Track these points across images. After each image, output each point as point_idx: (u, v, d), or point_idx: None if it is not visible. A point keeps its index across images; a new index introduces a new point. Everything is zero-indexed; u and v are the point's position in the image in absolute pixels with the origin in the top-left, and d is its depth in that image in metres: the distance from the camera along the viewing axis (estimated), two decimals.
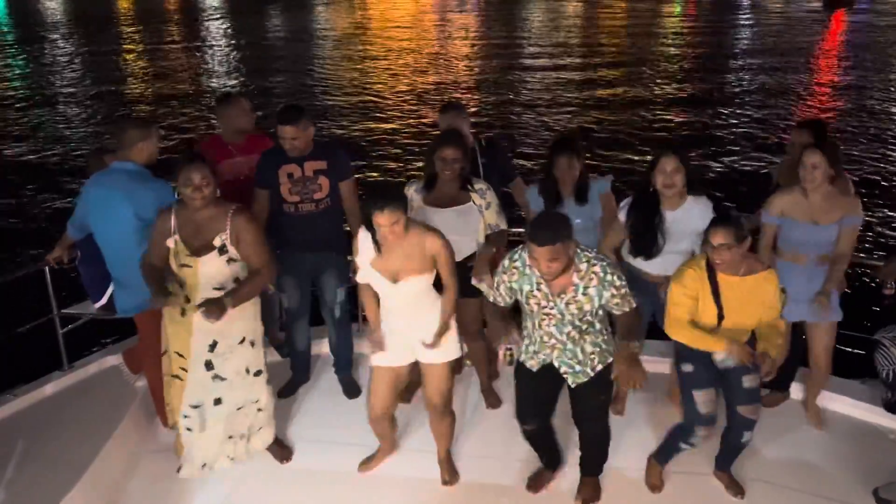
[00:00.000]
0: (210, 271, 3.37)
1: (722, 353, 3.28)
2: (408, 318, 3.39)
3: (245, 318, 3.51)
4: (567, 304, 3.05)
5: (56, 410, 4.18)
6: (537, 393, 3.39)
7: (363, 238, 3.30)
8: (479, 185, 3.83)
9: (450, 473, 3.70)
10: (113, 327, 4.65)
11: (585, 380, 3.23)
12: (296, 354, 4.51)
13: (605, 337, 3.24)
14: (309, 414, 4.26)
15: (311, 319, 4.43)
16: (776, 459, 3.76)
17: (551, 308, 3.08)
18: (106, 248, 3.86)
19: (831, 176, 3.61)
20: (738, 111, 16.90)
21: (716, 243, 3.11)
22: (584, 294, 3.03)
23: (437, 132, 4.21)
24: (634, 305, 3.11)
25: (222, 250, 3.37)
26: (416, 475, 3.71)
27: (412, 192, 3.82)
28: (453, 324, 3.46)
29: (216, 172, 3.44)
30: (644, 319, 3.88)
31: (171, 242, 3.40)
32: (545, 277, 2.98)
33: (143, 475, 3.81)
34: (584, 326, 3.14)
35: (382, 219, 3.08)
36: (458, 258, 3.83)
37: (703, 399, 3.33)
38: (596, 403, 3.35)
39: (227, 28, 35.47)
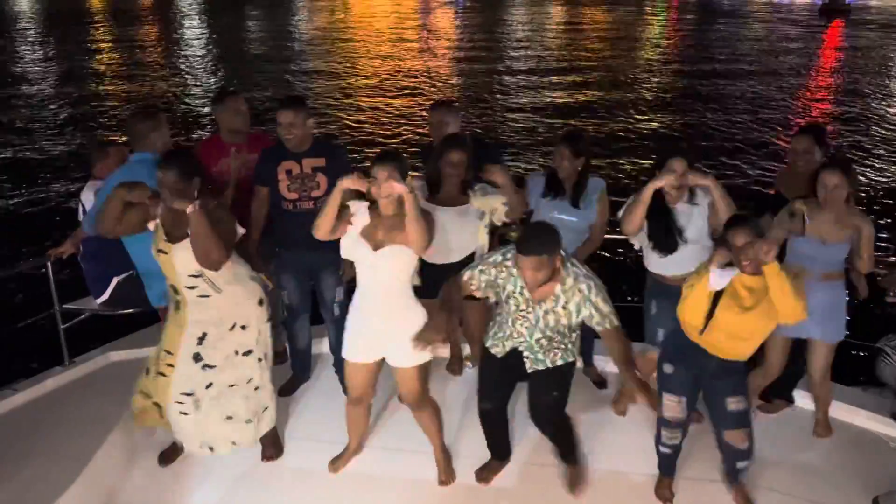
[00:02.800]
0: (185, 257, 3.36)
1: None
2: (380, 310, 3.37)
3: (235, 307, 3.52)
4: (546, 312, 3.11)
5: (56, 406, 4.18)
6: (499, 377, 3.46)
7: (361, 205, 3.32)
8: (479, 185, 3.85)
9: (446, 473, 3.71)
10: (114, 323, 4.65)
11: (542, 368, 3.29)
12: (296, 353, 4.51)
13: (573, 340, 3.31)
14: (308, 413, 4.26)
15: (311, 318, 4.43)
16: (776, 465, 3.75)
17: (528, 313, 3.14)
18: (131, 242, 3.84)
19: (848, 195, 3.55)
20: (731, 118, 16.88)
21: (740, 243, 2.99)
22: (563, 308, 3.09)
23: (428, 134, 4.23)
24: (617, 324, 3.10)
25: None
26: (415, 476, 3.71)
27: (418, 187, 3.82)
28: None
29: (208, 174, 3.41)
30: (657, 324, 3.87)
31: (151, 226, 3.43)
32: (528, 287, 3.05)
33: (142, 470, 3.81)
34: (555, 337, 3.21)
35: (380, 173, 3.12)
36: (457, 258, 3.88)
37: (668, 404, 3.37)
38: (549, 398, 3.39)
39: (203, 26, 35.16)
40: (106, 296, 4.39)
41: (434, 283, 3.59)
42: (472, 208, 3.83)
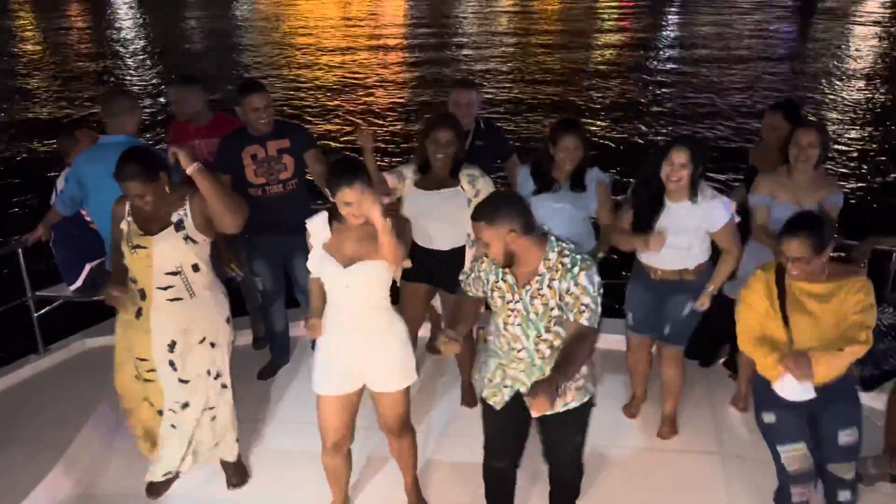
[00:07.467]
0: (165, 249, 3.10)
1: (779, 383, 2.79)
2: (357, 331, 2.98)
3: (206, 318, 3.27)
4: (532, 297, 2.69)
5: (32, 394, 4.14)
6: (505, 429, 2.98)
7: (318, 220, 3.01)
8: (471, 170, 3.64)
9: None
10: (89, 310, 4.59)
11: (550, 413, 2.56)
12: (274, 336, 4.49)
13: (584, 374, 2.83)
14: (289, 395, 4.25)
15: (286, 302, 4.42)
16: (752, 434, 3.80)
17: (516, 302, 2.72)
18: (103, 225, 3.71)
19: (819, 158, 3.58)
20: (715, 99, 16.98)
21: (790, 255, 2.75)
22: (548, 287, 2.65)
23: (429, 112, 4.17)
24: (592, 326, 2.63)
25: (179, 226, 3.12)
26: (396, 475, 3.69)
27: (409, 172, 3.68)
28: (409, 348, 3.09)
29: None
30: (628, 307, 3.80)
31: (123, 225, 3.19)
32: (496, 260, 2.68)
33: (120, 457, 3.77)
34: (553, 339, 2.74)
35: (351, 195, 2.77)
36: (446, 247, 3.72)
37: (790, 456, 2.93)
38: (568, 444, 2.98)
39: (138, 13, 33.60)
40: (79, 282, 4.35)
41: (424, 267, 3.49)
42: (461, 193, 3.61)
